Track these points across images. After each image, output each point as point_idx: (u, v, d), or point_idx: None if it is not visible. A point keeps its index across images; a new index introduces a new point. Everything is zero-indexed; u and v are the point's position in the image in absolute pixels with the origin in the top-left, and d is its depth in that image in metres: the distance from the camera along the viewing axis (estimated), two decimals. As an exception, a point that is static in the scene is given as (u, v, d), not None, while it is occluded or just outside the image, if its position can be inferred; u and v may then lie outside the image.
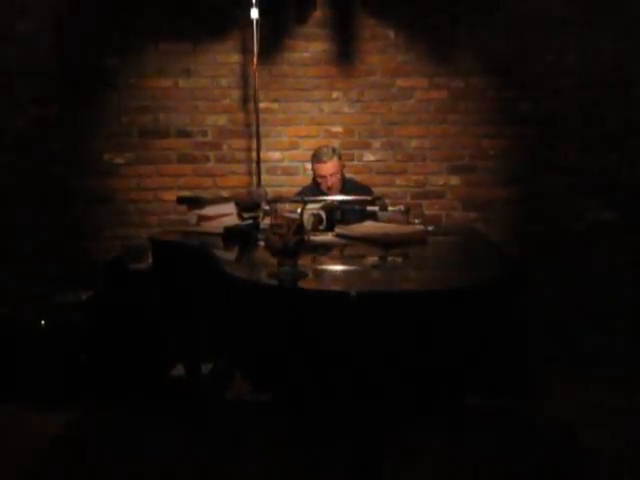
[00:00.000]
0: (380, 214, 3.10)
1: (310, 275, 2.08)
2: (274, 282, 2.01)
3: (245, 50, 3.99)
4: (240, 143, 4.10)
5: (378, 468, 1.95)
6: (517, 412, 3.16)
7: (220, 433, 3.09)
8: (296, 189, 3.87)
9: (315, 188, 3.66)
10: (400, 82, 4.03)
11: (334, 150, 3.62)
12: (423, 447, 2.86)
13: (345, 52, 4.01)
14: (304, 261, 2.17)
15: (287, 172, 4.11)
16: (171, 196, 3.90)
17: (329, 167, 3.56)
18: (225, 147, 4.11)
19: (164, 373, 3.44)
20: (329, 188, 3.56)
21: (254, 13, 3.68)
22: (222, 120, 4.09)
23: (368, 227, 2.87)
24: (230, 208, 2.99)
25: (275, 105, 4.06)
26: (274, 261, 2.12)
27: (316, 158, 3.62)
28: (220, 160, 4.12)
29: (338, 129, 4.07)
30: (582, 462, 2.79)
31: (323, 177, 3.58)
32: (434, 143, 4.05)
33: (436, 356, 1.87)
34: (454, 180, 4.07)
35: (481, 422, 3.00)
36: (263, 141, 3.97)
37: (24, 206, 4.10)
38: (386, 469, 2.02)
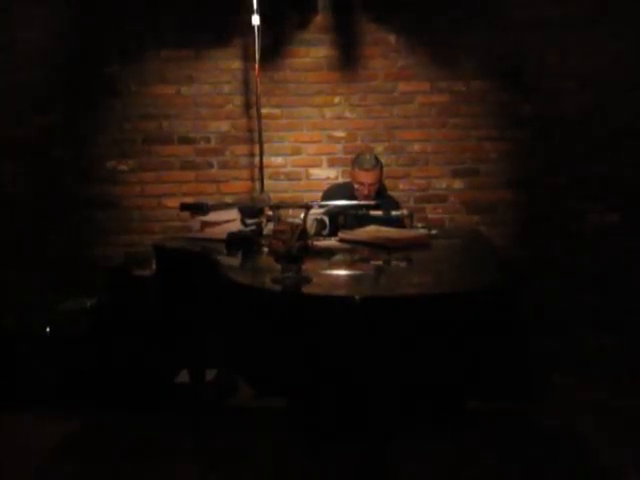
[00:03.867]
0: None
1: (314, 280, 2.08)
2: (278, 287, 2.01)
3: (247, 56, 4.01)
4: (243, 149, 4.11)
5: (380, 469, 1.95)
6: (517, 413, 3.16)
7: (223, 437, 3.10)
8: (299, 194, 3.89)
9: (346, 189, 3.56)
10: (402, 86, 4.03)
11: (378, 160, 3.51)
12: (424, 448, 2.86)
13: (346, 57, 4.02)
14: (308, 266, 2.17)
15: (290, 177, 4.11)
16: (174, 202, 3.91)
17: (370, 176, 3.45)
18: (228, 153, 4.12)
19: (168, 379, 3.45)
20: (365, 197, 3.44)
21: (255, 19, 3.69)
22: (225, 126, 4.10)
23: (371, 231, 2.87)
24: (233, 214, 3.00)
25: (277, 111, 4.07)
26: (277, 267, 2.12)
27: (359, 164, 3.48)
28: (223, 166, 4.13)
29: (340, 134, 4.08)
30: (582, 462, 2.79)
31: (362, 184, 3.46)
32: (436, 147, 4.06)
33: (439, 359, 1.87)
34: (457, 183, 4.08)
35: (481, 422, 3.00)
36: (266, 147, 3.98)
37: (27, 213, 4.12)
38: (387, 470, 2.02)
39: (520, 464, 2.77)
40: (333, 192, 3.62)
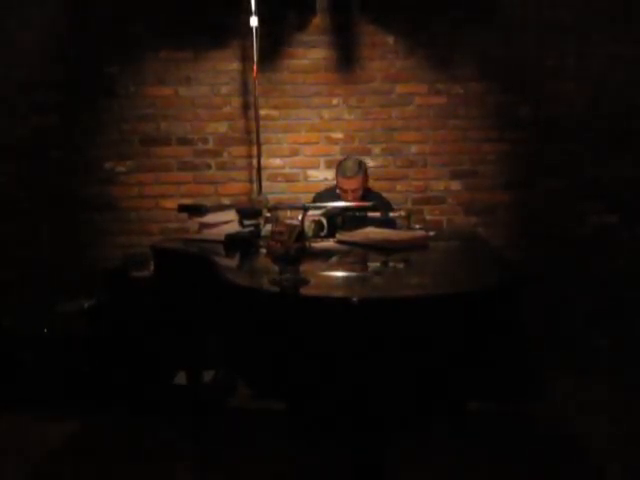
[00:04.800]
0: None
1: (312, 281, 2.08)
2: (276, 289, 2.01)
3: (245, 58, 4.01)
4: (241, 150, 4.11)
5: (379, 470, 1.95)
6: (517, 413, 3.16)
7: (222, 438, 3.10)
8: (297, 196, 3.88)
9: (334, 193, 3.61)
10: (400, 88, 4.04)
11: (360, 166, 3.55)
12: (424, 449, 2.86)
13: (345, 59, 4.02)
14: (306, 267, 2.17)
15: (288, 179, 4.11)
16: (172, 204, 3.91)
17: (352, 183, 3.50)
18: (226, 154, 4.12)
19: (167, 380, 3.44)
20: (350, 202, 3.45)
21: (253, 21, 3.69)
22: (223, 128, 4.10)
23: (369, 233, 2.87)
24: (231, 215, 2.99)
25: (275, 112, 4.07)
26: (275, 268, 2.12)
27: (341, 171, 3.55)
28: (221, 167, 4.13)
29: (338, 135, 4.08)
30: (582, 462, 2.79)
31: (345, 191, 3.53)
32: (434, 148, 4.06)
33: (438, 360, 1.87)
34: (455, 185, 4.08)
35: (481, 422, 3.00)
36: (264, 148, 3.98)
37: (25, 215, 4.11)
38: (387, 470, 2.02)
39: (520, 465, 2.78)
40: (321, 197, 3.66)
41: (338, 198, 3.52)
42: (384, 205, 3.54)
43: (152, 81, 4.07)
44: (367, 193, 3.65)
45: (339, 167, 3.59)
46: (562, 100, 3.97)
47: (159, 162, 4.12)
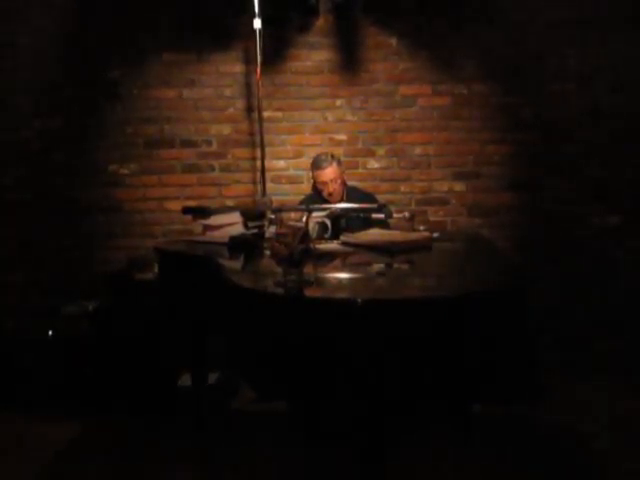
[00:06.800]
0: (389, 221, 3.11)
1: (316, 283, 2.08)
2: (280, 291, 2.01)
3: (248, 60, 4.01)
4: (244, 152, 4.11)
5: (380, 469, 1.95)
6: (517, 413, 3.16)
7: (224, 439, 3.10)
8: (301, 197, 3.88)
9: (316, 196, 3.65)
10: (403, 89, 4.04)
11: (333, 156, 3.59)
12: (424, 448, 2.87)
13: (348, 60, 4.02)
14: (310, 269, 2.17)
15: (292, 181, 4.11)
16: (176, 206, 3.91)
17: (328, 173, 3.53)
18: (230, 156, 4.12)
19: (171, 382, 3.44)
20: (330, 194, 3.54)
21: (257, 23, 3.69)
22: (226, 130, 4.11)
23: (373, 234, 2.87)
24: (235, 217, 3.00)
25: (279, 114, 4.07)
26: (279, 270, 2.13)
27: (315, 165, 3.60)
28: (225, 169, 4.13)
29: (342, 137, 4.08)
30: (583, 464, 2.79)
31: (324, 184, 3.56)
32: (438, 150, 4.06)
33: (442, 362, 1.87)
34: (458, 186, 4.07)
35: (482, 424, 3.00)
36: (267, 150, 3.97)
37: (28, 218, 4.12)
38: (387, 470, 2.02)
39: (520, 464, 2.77)
40: (308, 200, 3.67)
41: (320, 202, 3.52)
42: (366, 198, 3.56)
43: (156, 83, 4.08)
44: (351, 191, 3.67)
45: (313, 164, 3.63)
46: (564, 101, 3.96)
47: (163, 164, 4.13)
